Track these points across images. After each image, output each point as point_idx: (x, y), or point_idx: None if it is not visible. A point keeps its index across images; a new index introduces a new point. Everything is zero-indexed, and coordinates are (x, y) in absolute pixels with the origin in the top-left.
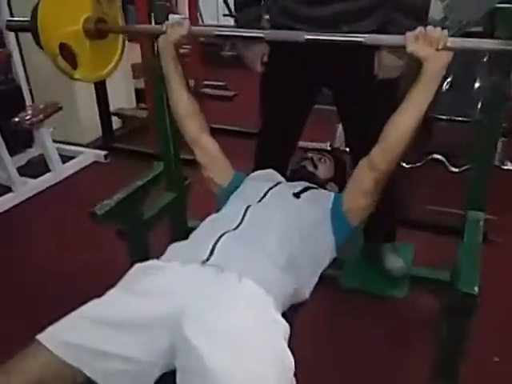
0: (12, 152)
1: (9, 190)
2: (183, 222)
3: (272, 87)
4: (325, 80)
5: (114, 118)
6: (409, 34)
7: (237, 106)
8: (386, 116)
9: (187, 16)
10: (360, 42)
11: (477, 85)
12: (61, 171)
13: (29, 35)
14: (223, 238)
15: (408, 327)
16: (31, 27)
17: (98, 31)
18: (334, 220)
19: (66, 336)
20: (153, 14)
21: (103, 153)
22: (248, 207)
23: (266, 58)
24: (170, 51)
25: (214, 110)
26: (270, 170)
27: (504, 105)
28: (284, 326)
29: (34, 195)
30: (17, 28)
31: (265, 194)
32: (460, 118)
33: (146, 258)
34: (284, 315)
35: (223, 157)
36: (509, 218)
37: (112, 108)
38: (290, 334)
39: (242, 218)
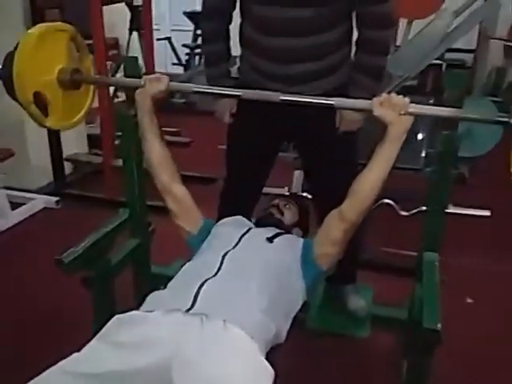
0: None
1: None
2: (147, 267)
3: (239, 138)
4: (290, 133)
5: (66, 164)
6: (375, 99)
7: (192, 152)
8: (348, 165)
9: (143, 64)
10: (331, 104)
11: (419, 137)
12: (10, 218)
13: None
14: (205, 285)
15: (369, 365)
16: (4, 74)
17: (72, 81)
18: (304, 265)
19: None
20: (110, 64)
21: (54, 199)
22: (225, 254)
23: (234, 110)
24: (147, 104)
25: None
26: (239, 217)
27: (455, 156)
28: (269, 371)
29: None
30: None
31: (239, 240)
32: (406, 166)
33: (112, 307)
34: (267, 358)
35: (194, 205)
36: (453, 257)
37: (63, 153)
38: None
39: (221, 265)
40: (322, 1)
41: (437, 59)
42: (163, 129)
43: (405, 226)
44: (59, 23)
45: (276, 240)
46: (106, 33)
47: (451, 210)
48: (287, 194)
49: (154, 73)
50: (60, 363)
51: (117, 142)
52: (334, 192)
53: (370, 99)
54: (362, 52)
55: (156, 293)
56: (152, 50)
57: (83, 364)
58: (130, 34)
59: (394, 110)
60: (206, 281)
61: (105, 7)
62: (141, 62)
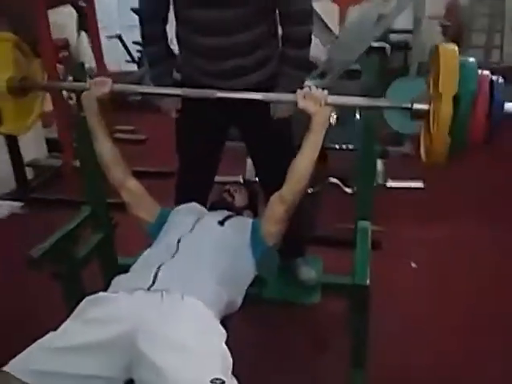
0: None
1: None
2: (114, 259)
3: (185, 130)
4: (231, 122)
5: (28, 169)
6: (298, 92)
7: (147, 148)
8: (283, 148)
9: (94, 64)
10: (260, 98)
11: (357, 117)
12: None
13: None
14: (162, 266)
15: (324, 328)
16: None
17: (21, 89)
18: (253, 243)
19: (32, 365)
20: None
21: (19, 204)
22: (180, 238)
23: (179, 106)
24: (93, 106)
25: (127, 154)
26: (193, 204)
27: (375, 133)
28: (222, 332)
29: None
30: None
31: (193, 226)
32: (348, 147)
33: (82, 297)
34: (221, 323)
35: (148, 196)
36: (394, 226)
37: (24, 159)
38: (228, 337)
39: (177, 248)
40: (244, 2)
41: (380, 41)
42: (119, 127)
43: (351, 202)
44: (1, 33)
45: (226, 222)
46: (56, 34)
47: (390, 183)
48: (241, 181)
49: (105, 71)
50: (38, 341)
51: (75, 144)
52: (276, 174)
53: (300, 88)
54: (287, 46)
55: (120, 276)
56: (100, 50)
57: (59, 339)
58: (78, 34)
59: (316, 102)
60: (163, 263)
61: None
62: (92, 61)
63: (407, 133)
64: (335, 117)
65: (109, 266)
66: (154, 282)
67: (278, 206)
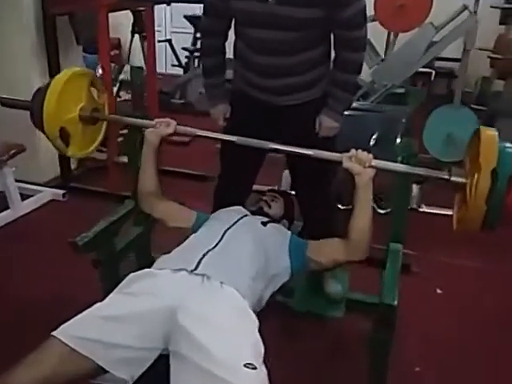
0: None
1: None
2: (147, 252)
3: None
4: (275, 135)
5: (72, 159)
6: (345, 154)
7: (190, 150)
8: (322, 165)
9: (144, 66)
10: (309, 154)
11: (398, 141)
12: (20, 208)
13: None
14: (207, 254)
15: (346, 343)
16: (33, 109)
17: (91, 118)
18: (294, 255)
19: (77, 332)
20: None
21: (61, 191)
22: (226, 230)
23: (228, 115)
24: (155, 143)
25: (170, 155)
26: (239, 206)
27: (413, 160)
28: (255, 321)
29: None
30: (11, 105)
31: (237, 221)
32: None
33: (118, 284)
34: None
35: (181, 207)
36: (426, 252)
37: None
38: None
39: (221, 239)
40: (301, 26)
41: (426, 67)
42: None
43: (382, 223)
44: (82, 69)
45: (269, 225)
46: (110, 33)
47: (424, 209)
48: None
49: (155, 74)
50: (85, 311)
51: (119, 140)
52: (311, 188)
53: (346, 109)
54: (338, 70)
55: (165, 256)
56: (154, 53)
57: (103, 309)
58: (132, 36)
59: (360, 164)
60: (208, 251)
61: None
62: (142, 63)
63: (445, 160)
64: (374, 137)
65: (142, 257)
66: (197, 267)
67: (339, 254)
